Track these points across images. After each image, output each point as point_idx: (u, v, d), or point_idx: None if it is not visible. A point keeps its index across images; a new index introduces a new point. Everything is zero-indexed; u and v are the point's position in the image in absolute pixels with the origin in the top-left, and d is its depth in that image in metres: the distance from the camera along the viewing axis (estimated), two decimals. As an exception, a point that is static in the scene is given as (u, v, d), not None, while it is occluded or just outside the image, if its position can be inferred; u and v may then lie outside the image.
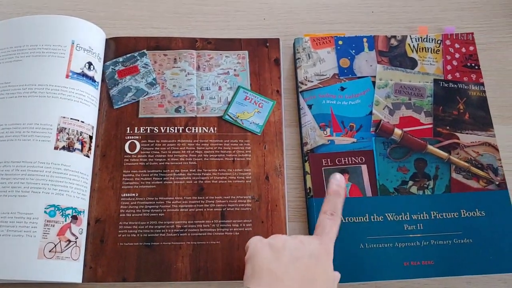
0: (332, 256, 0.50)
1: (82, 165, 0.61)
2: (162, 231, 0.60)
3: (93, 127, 0.63)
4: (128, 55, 0.69)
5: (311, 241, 0.51)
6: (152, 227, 0.60)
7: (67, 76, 0.63)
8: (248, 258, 0.50)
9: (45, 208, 0.57)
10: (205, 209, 0.62)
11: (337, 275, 0.52)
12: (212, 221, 0.61)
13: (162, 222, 0.61)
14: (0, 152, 0.59)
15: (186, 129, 0.65)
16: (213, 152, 0.64)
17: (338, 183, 0.54)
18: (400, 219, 0.62)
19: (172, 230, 0.60)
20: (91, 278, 0.58)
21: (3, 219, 0.56)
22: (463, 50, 0.70)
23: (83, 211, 0.59)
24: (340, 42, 0.70)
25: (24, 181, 0.57)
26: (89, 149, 0.62)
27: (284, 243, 0.50)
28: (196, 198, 0.62)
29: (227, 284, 0.60)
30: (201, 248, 0.60)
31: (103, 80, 0.67)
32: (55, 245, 0.56)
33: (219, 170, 0.64)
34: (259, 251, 0.49)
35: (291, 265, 0.47)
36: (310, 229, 0.62)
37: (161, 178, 0.63)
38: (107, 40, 0.69)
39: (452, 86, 0.68)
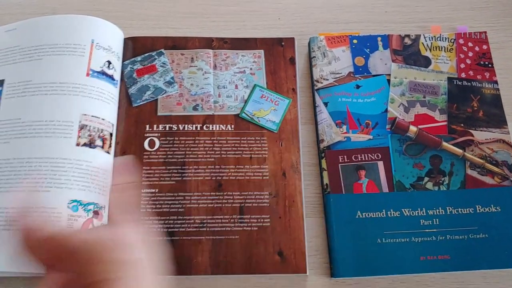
0: None
1: (103, 162, 0.61)
2: (182, 226, 0.61)
3: (113, 124, 0.64)
4: (146, 55, 0.70)
5: None
6: (172, 222, 0.61)
7: (87, 75, 0.64)
8: None
9: (68, 203, 0.57)
10: (223, 205, 0.62)
11: None
12: (231, 217, 0.62)
13: (182, 217, 0.61)
14: (24, 148, 0.60)
15: (204, 126, 0.66)
16: (231, 149, 0.65)
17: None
18: (416, 214, 0.62)
19: (191, 225, 0.61)
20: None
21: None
22: (476, 48, 0.71)
23: (104, 207, 0.60)
24: (355, 41, 0.71)
25: (47, 176, 0.58)
26: (110, 145, 0.63)
27: None
28: (214, 194, 0.63)
29: (246, 277, 0.60)
30: (220, 243, 0.61)
31: (121, 79, 0.68)
32: (78, 240, 0.57)
33: (237, 166, 0.65)
34: None
35: None
36: (327, 225, 0.62)
37: (180, 174, 0.63)
38: (125, 40, 0.70)
39: (466, 84, 0.69)
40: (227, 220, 0.62)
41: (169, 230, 0.61)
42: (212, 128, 0.66)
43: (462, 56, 0.70)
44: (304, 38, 0.73)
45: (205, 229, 0.61)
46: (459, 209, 0.63)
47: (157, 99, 0.68)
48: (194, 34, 0.73)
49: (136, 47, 0.70)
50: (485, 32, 0.72)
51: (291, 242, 0.61)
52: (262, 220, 0.62)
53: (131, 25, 0.74)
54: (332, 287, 0.61)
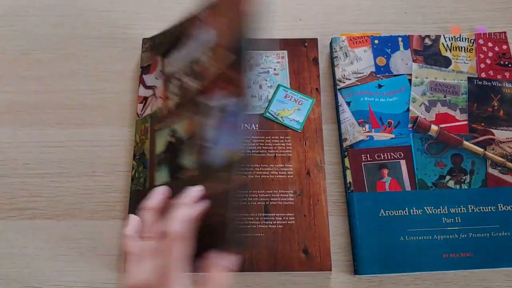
0: None
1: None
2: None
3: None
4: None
5: None
6: (199, 219, 0.62)
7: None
8: None
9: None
10: (249, 203, 0.63)
11: None
12: (256, 214, 0.63)
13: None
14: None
15: (229, 125, 0.67)
16: (255, 148, 0.66)
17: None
18: (439, 212, 0.63)
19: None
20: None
21: None
22: (496, 48, 0.72)
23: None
24: (376, 41, 0.72)
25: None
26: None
27: None
28: (240, 191, 0.64)
29: (271, 275, 0.62)
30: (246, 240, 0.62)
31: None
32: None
33: (261, 165, 0.66)
34: None
35: None
36: (351, 223, 0.63)
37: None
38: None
39: (486, 83, 0.70)
40: (252, 218, 0.63)
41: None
42: (237, 127, 0.67)
43: (482, 56, 0.71)
44: (325, 39, 0.74)
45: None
46: (481, 208, 0.63)
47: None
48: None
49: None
50: (505, 32, 0.73)
51: (316, 240, 0.62)
52: (287, 218, 0.63)
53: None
54: (355, 284, 0.62)
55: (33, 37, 0.75)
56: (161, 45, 0.71)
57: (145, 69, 0.70)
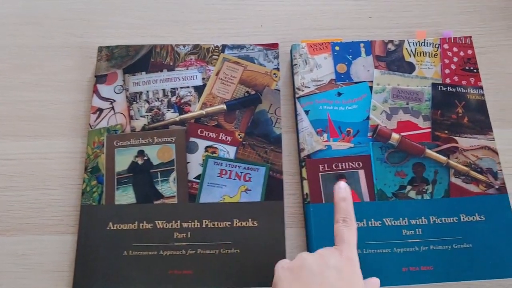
0: (357, 263, 0.48)
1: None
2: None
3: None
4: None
5: (331, 253, 0.49)
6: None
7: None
8: (272, 285, 0.49)
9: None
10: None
11: (373, 282, 0.51)
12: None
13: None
14: None
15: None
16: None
17: (343, 190, 0.53)
18: (399, 224, 0.61)
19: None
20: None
21: None
22: (461, 53, 0.70)
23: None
24: (337, 48, 0.70)
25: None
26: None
27: (303, 262, 0.48)
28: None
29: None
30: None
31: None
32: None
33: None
34: (281, 277, 0.48)
35: (312, 282, 0.46)
36: (307, 235, 0.61)
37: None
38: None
39: (451, 89, 0.68)
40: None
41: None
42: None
43: (446, 61, 0.69)
44: (287, 45, 0.72)
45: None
46: (443, 219, 0.61)
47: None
48: (177, 42, 0.72)
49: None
50: (470, 37, 0.70)
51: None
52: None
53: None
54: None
55: (-14, 47, 0.73)
56: (122, 60, 0.69)
57: (100, 78, 0.69)
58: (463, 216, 0.61)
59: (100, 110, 0.67)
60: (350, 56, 0.69)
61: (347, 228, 0.50)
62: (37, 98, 0.70)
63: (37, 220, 0.64)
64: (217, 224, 0.61)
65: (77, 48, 0.73)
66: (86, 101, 0.69)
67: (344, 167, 0.63)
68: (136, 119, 0.66)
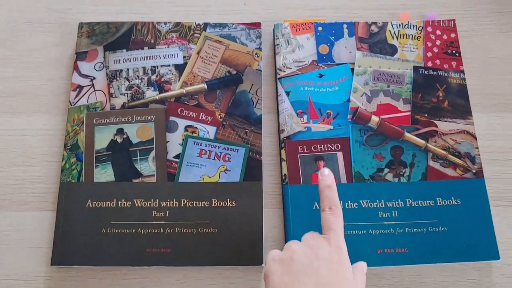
0: (345, 251, 0.49)
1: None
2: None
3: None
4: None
5: (320, 243, 0.49)
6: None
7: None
8: (264, 277, 0.49)
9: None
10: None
11: (360, 266, 0.51)
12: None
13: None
14: None
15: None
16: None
17: (327, 177, 0.53)
18: (375, 206, 0.61)
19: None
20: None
21: None
22: (445, 37, 0.69)
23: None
24: (320, 28, 0.69)
25: None
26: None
27: (293, 254, 0.48)
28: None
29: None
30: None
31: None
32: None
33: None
34: (272, 270, 0.48)
35: (302, 274, 0.46)
36: (285, 216, 0.62)
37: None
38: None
39: (432, 73, 0.68)
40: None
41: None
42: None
43: (429, 44, 0.69)
44: (270, 25, 0.71)
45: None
46: (419, 202, 0.62)
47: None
48: (158, 19, 0.71)
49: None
50: (454, 20, 0.70)
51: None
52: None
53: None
54: (288, 278, 0.60)
55: (-35, 21, 0.72)
56: (103, 37, 0.68)
57: (80, 55, 0.68)
58: (439, 199, 0.62)
59: (80, 87, 0.67)
60: (333, 37, 0.69)
61: (333, 216, 0.51)
62: (16, 74, 0.69)
63: (16, 197, 0.64)
64: (196, 203, 0.61)
65: (57, 25, 0.72)
66: (66, 78, 0.69)
67: (323, 149, 0.64)
68: (116, 97, 0.66)
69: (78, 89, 0.66)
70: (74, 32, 0.70)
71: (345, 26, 0.70)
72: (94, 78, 0.67)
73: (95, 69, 0.67)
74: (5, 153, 0.65)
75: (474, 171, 0.63)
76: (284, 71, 0.67)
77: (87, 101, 0.66)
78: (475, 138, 0.65)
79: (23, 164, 0.65)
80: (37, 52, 0.70)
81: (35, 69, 0.69)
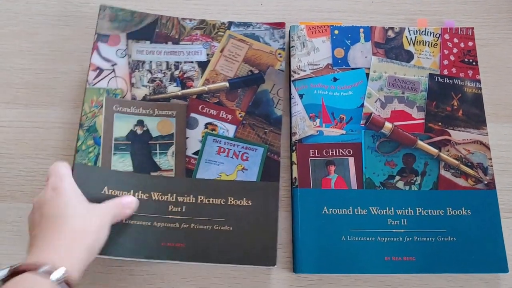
0: (62, 189, 0.54)
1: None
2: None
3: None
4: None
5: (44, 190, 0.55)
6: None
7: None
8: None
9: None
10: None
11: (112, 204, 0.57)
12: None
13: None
14: None
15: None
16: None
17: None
18: (384, 213, 0.61)
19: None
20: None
21: None
22: (462, 45, 0.69)
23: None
24: (336, 32, 0.69)
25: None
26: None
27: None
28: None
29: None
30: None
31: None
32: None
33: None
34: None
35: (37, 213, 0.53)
36: (293, 219, 0.62)
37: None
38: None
39: (448, 81, 0.67)
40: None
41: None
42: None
43: (446, 52, 0.68)
44: (286, 26, 0.71)
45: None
46: (429, 211, 0.61)
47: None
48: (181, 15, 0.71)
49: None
50: (472, 28, 0.69)
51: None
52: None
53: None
54: (294, 282, 0.61)
55: (-18, 11, 0.73)
56: (127, 24, 0.68)
57: (102, 37, 0.67)
58: (449, 209, 0.61)
59: (100, 70, 0.66)
60: (349, 41, 0.69)
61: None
62: (32, 67, 0.69)
63: (28, 188, 0.64)
64: (212, 200, 0.61)
65: (73, 18, 0.72)
66: (81, 72, 0.69)
67: (334, 154, 0.63)
68: (137, 87, 0.66)
69: (98, 71, 0.66)
70: (90, 26, 0.70)
71: (361, 30, 0.69)
72: (116, 64, 0.66)
73: (116, 55, 0.67)
74: (18, 144, 0.66)
75: (486, 182, 0.63)
76: (299, 74, 0.67)
77: (107, 85, 0.65)
78: (489, 148, 0.64)
79: (35, 156, 0.65)
80: (53, 45, 0.71)
81: (50, 62, 0.70)
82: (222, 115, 0.65)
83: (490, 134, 0.65)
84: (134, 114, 0.65)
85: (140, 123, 0.64)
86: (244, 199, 0.62)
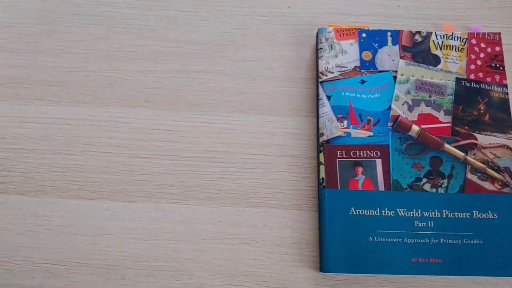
0: None
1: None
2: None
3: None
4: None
5: None
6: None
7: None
8: None
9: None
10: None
11: None
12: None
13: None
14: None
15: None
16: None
17: None
18: (411, 215, 0.62)
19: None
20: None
21: None
22: (489, 50, 0.69)
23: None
24: (364, 35, 0.70)
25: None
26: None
27: None
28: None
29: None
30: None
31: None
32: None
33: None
34: None
35: None
36: (320, 220, 0.62)
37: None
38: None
39: (474, 86, 0.67)
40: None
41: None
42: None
43: (473, 56, 0.69)
44: (312, 29, 0.72)
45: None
46: (456, 213, 0.62)
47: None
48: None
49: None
50: (499, 33, 0.70)
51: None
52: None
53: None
54: (320, 281, 0.61)
55: (16, 10, 0.74)
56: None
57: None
58: (476, 212, 0.62)
59: None
60: (376, 44, 0.69)
61: None
62: (63, 65, 0.71)
63: (58, 184, 0.65)
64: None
65: (103, 17, 0.73)
66: (113, 71, 0.70)
67: (361, 155, 0.64)
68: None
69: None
70: (118, 26, 0.72)
71: (389, 34, 0.70)
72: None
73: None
74: (49, 140, 0.67)
75: (512, 186, 0.63)
76: (326, 76, 0.68)
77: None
78: (515, 153, 0.65)
79: (66, 153, 0.66)
80: (84, 43, 0.72)
81: (81, 61, 0.71)
82: None
83: (516, 138, 0.65)
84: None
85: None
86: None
